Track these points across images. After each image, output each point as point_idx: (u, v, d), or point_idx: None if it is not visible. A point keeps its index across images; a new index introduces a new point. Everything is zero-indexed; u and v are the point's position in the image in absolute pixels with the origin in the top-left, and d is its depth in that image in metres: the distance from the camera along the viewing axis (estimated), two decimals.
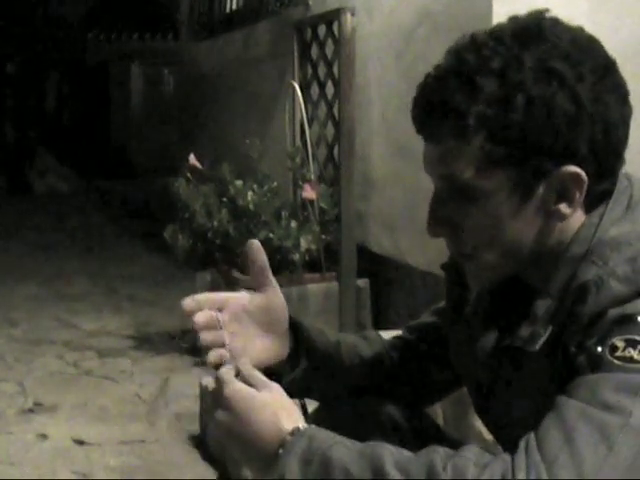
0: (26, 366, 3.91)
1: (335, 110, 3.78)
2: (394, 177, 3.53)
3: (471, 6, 2.90)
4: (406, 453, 1.06)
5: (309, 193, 3.67)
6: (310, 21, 4.08)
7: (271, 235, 3.57)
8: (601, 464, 0.98)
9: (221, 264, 3.78)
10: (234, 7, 5.93)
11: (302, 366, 1.40)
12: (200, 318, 1.29)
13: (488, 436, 1.42)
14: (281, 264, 3.55)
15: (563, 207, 1.15)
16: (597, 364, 1.04)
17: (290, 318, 1.39)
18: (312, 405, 1.46)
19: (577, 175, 1.12)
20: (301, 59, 4.06)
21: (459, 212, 1.17)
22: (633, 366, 1.02)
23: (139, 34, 11.25)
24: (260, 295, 1.34)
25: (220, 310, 1.31)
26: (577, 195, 1.14)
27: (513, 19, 1.17)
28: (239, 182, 3.79)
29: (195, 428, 3.13)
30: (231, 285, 3.49)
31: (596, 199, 1.16)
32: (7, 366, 3.93)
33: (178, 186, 3.90)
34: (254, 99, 5.23)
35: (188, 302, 1.30)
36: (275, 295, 1.35)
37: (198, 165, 3.96)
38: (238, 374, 1.17)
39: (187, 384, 3.54)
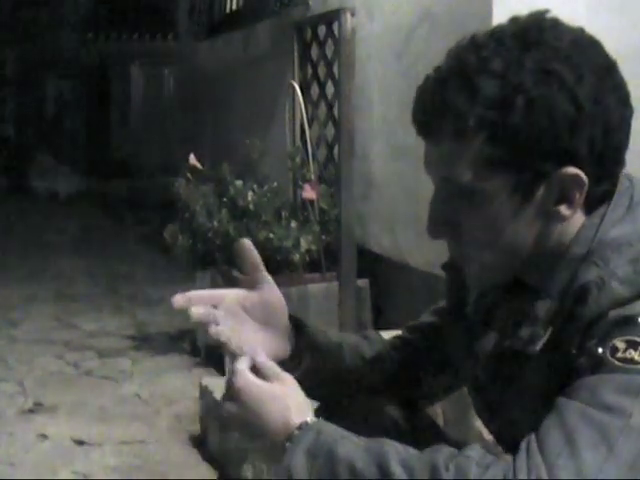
0: (26, 366, 3.92)
1: (335, 110, 3.78)
2: (394, 177, 3.53)
3: (471, 6, 2.90)
4: (411, 451, 1.06)
5: (309, 193, 3.67)
6: (310, 21, 4.08)
7: (271, 235, 3.57)
8: (601, 465, 0.98)
9: (221, 264, 3.78)
10: (234, 7, 5.93)
11: (304, 366, 1.40)
12: (197, 311, 1.29)
13: (488, 436, 1.42)
14: (281, 264, 3.55)
15: (563, 208, 1.15)
16: (598, 365, 1.04)
17: (293, 318, 1.40)
18: (312, 405, 1.46)
19: (577, 176, 1.12)
20: (301, 59, 4.06)
21: (459, 213, 1.17)
22: (633, 367, 1.02)
23: (139, 34, 11.23)
24: (256, 292, 1.35)
25: (215, 307, 1.32)
26: (577, 196, 1.14)
27: (513, 20, 1.17)
28: (239, 182, 3.79)
29: (195, 428, 3.13)
30: (231, 285, 3.48)
31: (596, 200, 1.16)
32: (7, 366, 3.93)
33: (178, 186, 3.90)
34: (254, 99, 5.23)
35: (178, 298, 1.30)
36: (271, 290, 1.35)
37: (198, 165, 3.96)
38: (253, 367, 1.17)
39: (187, 384, 3.54)
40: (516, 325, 1.19)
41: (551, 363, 1.13)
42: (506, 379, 1.23)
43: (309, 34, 4.04)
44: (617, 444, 0.98)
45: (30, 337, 4.37)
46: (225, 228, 3.70)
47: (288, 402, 1.14)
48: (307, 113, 3.97)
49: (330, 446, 1.08)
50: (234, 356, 1.25)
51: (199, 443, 3.05)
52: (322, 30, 3.91)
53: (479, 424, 1.48)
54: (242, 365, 1.18)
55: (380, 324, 3.57)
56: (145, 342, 4.25)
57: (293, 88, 3.98)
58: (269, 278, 1.35)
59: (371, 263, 3.68)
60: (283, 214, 3.73)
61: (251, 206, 3.69)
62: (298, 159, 3.87)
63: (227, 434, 2.70)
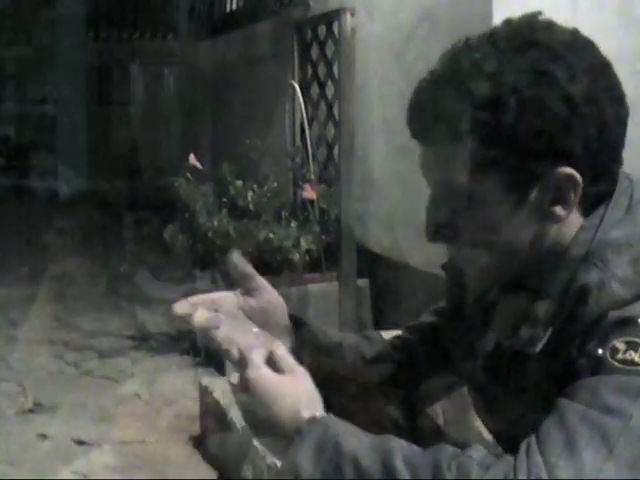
0: (26, 366, 3.92)
1: (335, 110, 3.78)
2: (394, 177, 3.53)
3: (471, 6, 2.90)
4: (415, 449, 1.07)
5: (309, 193, 3.67)
6: (310, 21, 4.08)
7: (271, 235, 3.57)
8: (601, 466, 0.98)
9: (221, 264, 3.78)
10: (234, 7, 5.93)
11: (304, 365, 1.40)
12: (200, 317, 1.29)
13: (488, 436, 1.42)
14: (281, 264, 3.55)
15: (558, 209, 1.15)
16: (598, 366, 1.04)
17: (294, 317, 1.39)
18: None
19: (571, 176, 1.12)
20: (301, 59, 4.06)
21: (456, 216, 1.17)
22: (634, 369, 1.02)
23: (139, 34, 11.23)
24: (253, 297, 1.35)
25: (216, 311, 1.32)
26: (572, 196, 1.13)
27: (507, 22, 1.17)
28: (239, 182, 3.79)
29: (195, 428, 3.13)
30: (231, 285, 3.48)
31: (594, 200, 1.16)
32: (7, 366, 3.93)
33: (178, 186, 3.90)
34: (254, 99, 5.23)
35: (180, 305, 1.30)
36: (268, 295, 1.35)
37: (198, 165, 3.96)
38: (269, 359, 1.17)
39: (187, 384, 3.54)
40: (516, 326, 1.19)
41: (551, 364, 1.13)
42: (506, 379, 1.23)
43: (309, 34, 4.04)
44: (617, 445, 0.98)
45: (30, 337, 4.36)
46: (225, 228, 3.70)
47: (299, 396, 1.14)
48: (307, 113, 3.98)
49: (337, 441, 1.08)
50: (235, 360, 1.25)
51: (199, 443, 3.05)
52: (322, 30, 3.91)
53: (479, 424, 1.48)
54: (256, 356, 1.17)
55: (380, 324, 3.58)
56: (145, 342, 4.25)
57: (293, 88, 3.98)
58: (265, 283, 1.35)
59: (371, 263, 3.68)
60: (283, 214, 3.73)
61: (251, 206, 3.69)
62: (298, 159, 3.87)
63: (227, 434, 2.70)
